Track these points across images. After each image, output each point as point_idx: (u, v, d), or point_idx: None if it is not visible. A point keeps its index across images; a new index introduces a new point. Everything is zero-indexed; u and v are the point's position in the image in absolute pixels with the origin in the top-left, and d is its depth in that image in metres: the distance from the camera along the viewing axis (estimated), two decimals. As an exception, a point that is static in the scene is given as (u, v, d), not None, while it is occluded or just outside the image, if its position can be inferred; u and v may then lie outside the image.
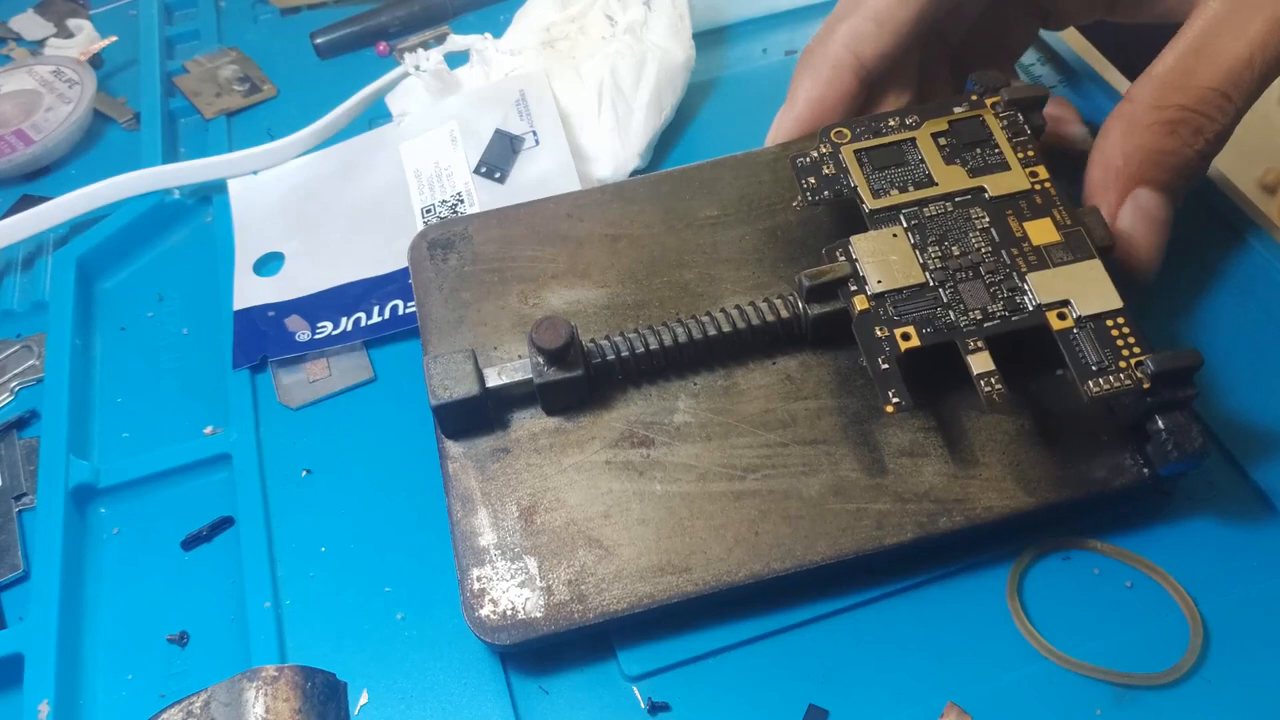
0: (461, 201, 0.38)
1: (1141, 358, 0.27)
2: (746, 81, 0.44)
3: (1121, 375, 0.27)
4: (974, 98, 0.32)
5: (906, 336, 0.28)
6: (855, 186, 0.31)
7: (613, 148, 0.39)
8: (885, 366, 0.27)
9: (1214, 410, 0.31)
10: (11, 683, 0.28)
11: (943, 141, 0.31)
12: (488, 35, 0.43)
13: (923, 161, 0.31)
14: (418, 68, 0.41)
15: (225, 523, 0.32)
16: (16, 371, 0.36)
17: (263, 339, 0.35)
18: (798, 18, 0.46)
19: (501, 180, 0.38)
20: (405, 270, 0.35)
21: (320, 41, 0.47)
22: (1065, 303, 0.28)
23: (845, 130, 0.32)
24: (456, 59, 0.43)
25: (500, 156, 0.39)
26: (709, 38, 0.45)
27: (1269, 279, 0.33)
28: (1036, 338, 0.28)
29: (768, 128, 0.42)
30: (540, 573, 0.27)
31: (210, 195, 0.41)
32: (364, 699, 0.28)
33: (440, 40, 0.46)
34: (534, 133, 0.39)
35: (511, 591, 0.27)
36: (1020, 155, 0.31)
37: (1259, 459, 0.30)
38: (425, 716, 0.27)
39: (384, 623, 0.29)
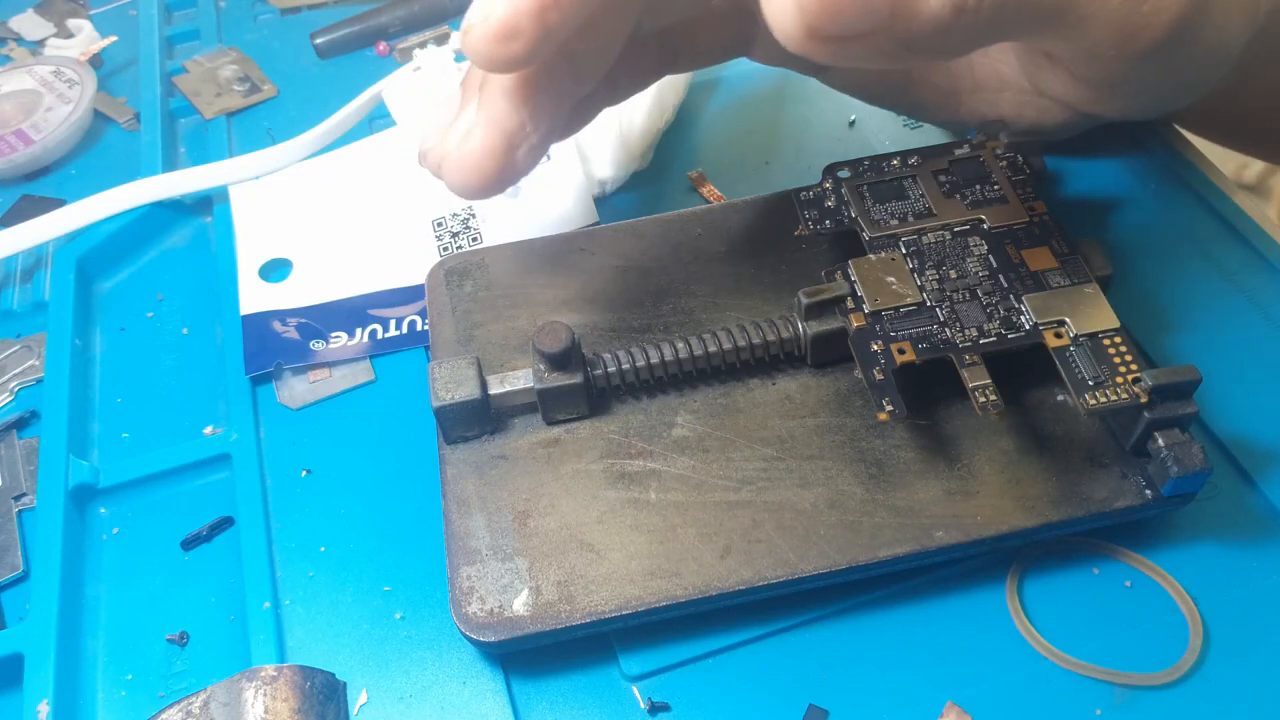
0: (473, 216, 0.38)
1: (1139, 374, 0.27)
2: (747, 81, 0.44)
3: (1119, 389, 0.27)
4: (974, 142, 0.33)
5: (902, 351, 0.28)
6: (855, 216, 0.31)
7: (615, 149, 0.39)
8: (880, 377, 0.28)
9: (1215, 415, 0.31)
10: (11, 683, 0.28)
11: (943, 179, 0.32)
12: (488, 34, 0.43)
13: (923, 195, 0.32)
14: (420, 67, 0.41)
15: (225, 523, 0.32)
16: (16, 371, 0.36)
17: (275, 346, 0.35)
18: (798, 18, 0.46)
19: (513, 195, 0.39)
20: (420, 287, 0.35)
21: (320, 41, 0.47)
22: (1061, 322, 0.28)
23: (848, 168, 0.33)
24: (458, 58, 0.43)
25: None
26: (709, 38, 0.45)
27: (1272, 281, 0.33)
28: (1034, 360, 0.28)
29: (768, 128, 0.42)
30: (530, 573, 0.27)
31: (210, 196, 0.41)
32: (363, 698, 0.28)
33: (441, 40, 0.46)
34: None
35: (500, 590, 0.27)
36: (1019, 192, 0.32)
37: (1259, 461, 0.30)
38: (425, 716, 0.27)
39: (383, 622, 0.29)
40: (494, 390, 0.30)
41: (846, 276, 0.30)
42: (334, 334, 0.36)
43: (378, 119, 0.43)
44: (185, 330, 0.37)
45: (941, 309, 0.29)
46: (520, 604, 0.27)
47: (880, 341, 0.29)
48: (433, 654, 0.28)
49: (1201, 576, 0.28)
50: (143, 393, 0.36)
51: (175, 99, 0.46)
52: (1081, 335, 0.28)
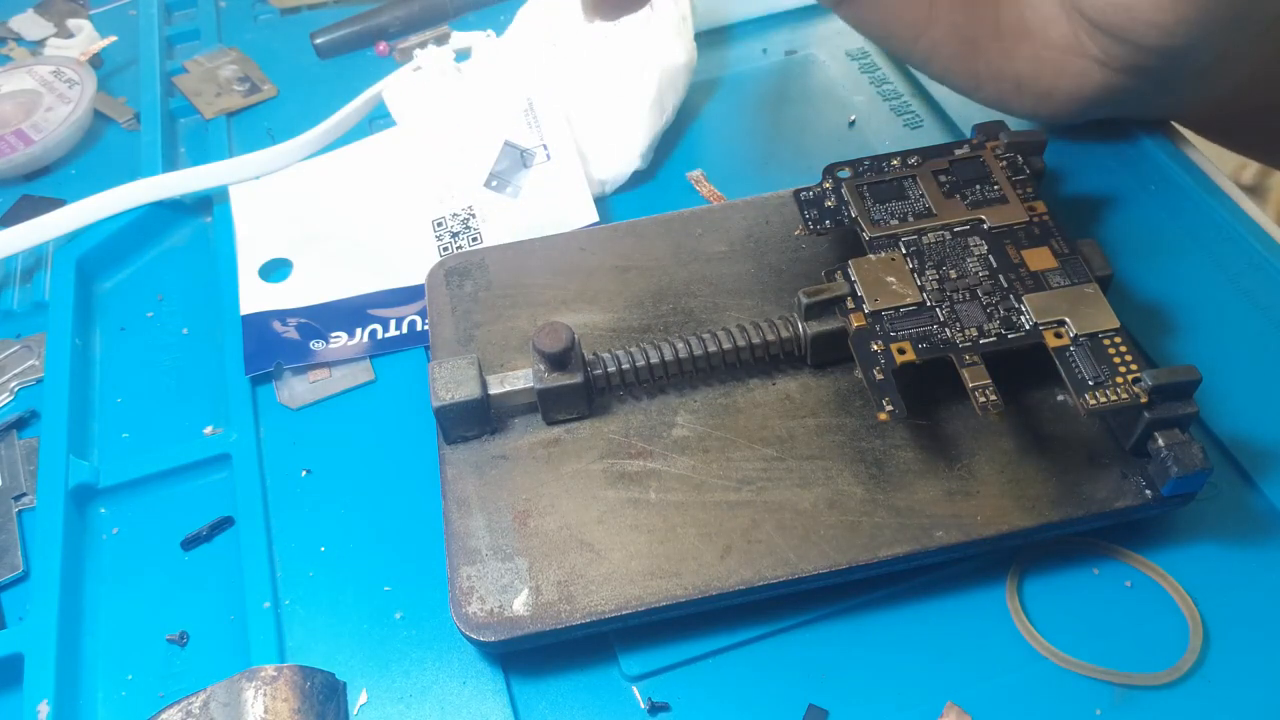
0: (473, 216, 0.38)
1: (1139, 374, 0.27)
2: (747, 81, 0.44)
3: (1119, 389, 0.27)
4: (974, 142, 0.33)
5: (902, 351, 0.28)
6: (855, 216, 0.31)
7: (614, 149, 0.39)
8: (880, 376, 0.28)
9: (1215, 415, 0.31)
10: (11, 683, 0.28)
11: (943, 179, 0.32)
12: (490, 32, 0.43)
13: (923, 195, 0.32)
14: (420, 67, 0.41)
15: (225, 523, 0.32)
16: (16, 371, 0.36)
17: (275, 346, 0.35)
18: (798, 18, 0.46)
19: (514, 195, 0.39)
20: (420, 287, 0.35)
21: (320, 41, 0.47)
22: (1061, 322, 0.28)
23: (848, 168, 0.33)
24: (458, 58, 0.43)
25: (510, 170, 0.39)
26: (709, 37, 0.45)
27: (1272, 281, 0.33)
28: (1034, 360, 0.28)
29: (768, 128, 0.42)
30: (530, 573, 0.27)
31: (210, 196, 0.41)
32: (363, 698, 0.28)
33: (441, 40, 0.46)
34: (544, 146, 0.39)
35: (500, 590, 0.27)
36: (1019, 192, 0.32)
37: (1259, 461, 0.30)
38: (425, 716, 0.27)
39: (383, 622, 0.29)
40: (494, 390, 0.30)
41: (846, 276, 0.30)
42: (334, 334, 0.36)
43: (378, 119, 0.43)
44: (185, 330, 0.37)
45: (941, 309, 0.29)
46: (520, 604, 0.27)
47: (880, 341, 0.29)
48: (433, 654, 0.28)
49: (1201, 576, 0.28)
50: (143, 393, 0.36)
51: (175, 99, 0.46)
52: (1081, 335, 0.28)
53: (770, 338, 0.30)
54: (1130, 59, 0.32)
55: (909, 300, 0.29)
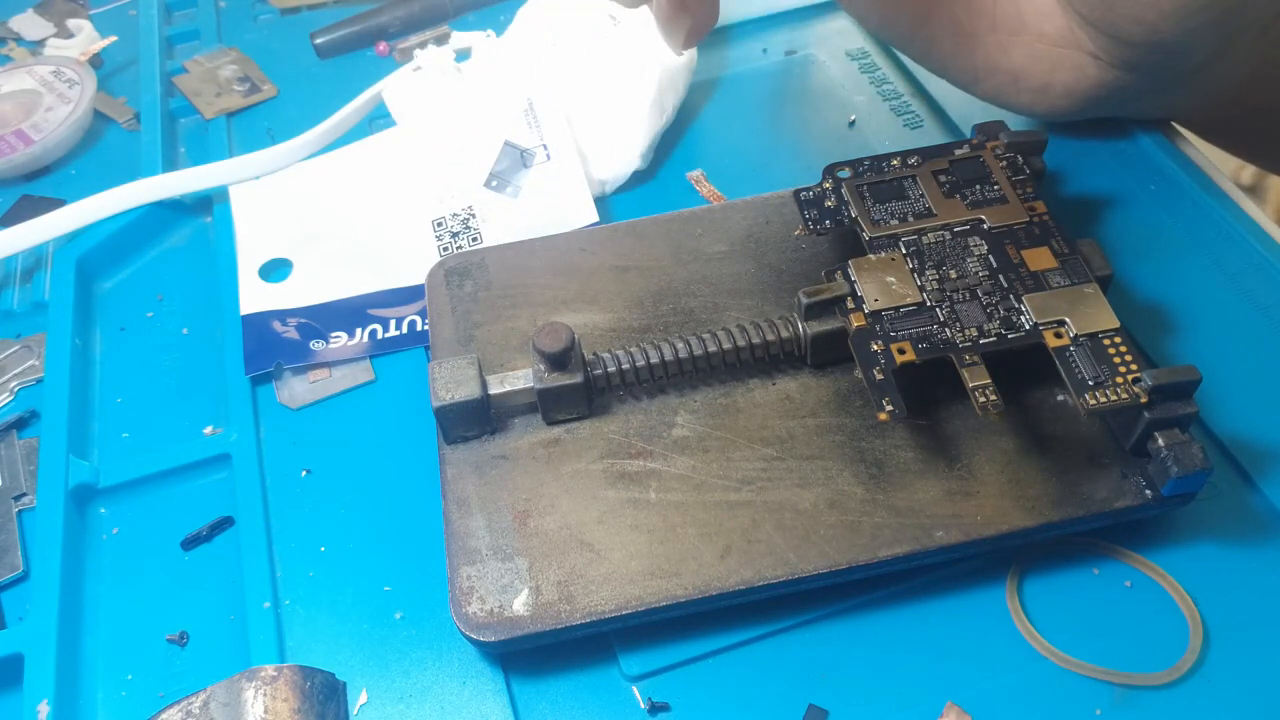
0: (473, 216, 0.38)
1: (1139, 374, 0.27)
2: (747, 81, 0.44)
3: (1119, 389, 0.27)
4: (974, 142, 0.33)
5: (902, 351, 0.28)
6: (855, 216, 0.31)
7: (614, 149, 0.39)
8: (880, 376, 0.28)
9: (1215, 415, 0.31)
10: (11, 683, 0.28)
11: (943, 179, 0.32)
12: (490, 33, 0.43)
13: (923, 195, 0.32)
14: (420, 67, 0.41)
15: (225, 523, 0.32)
16: (16, 371, 0.36)
17: (275, 346, 0.35)
18: (798, 18, 0.46)
19: (514, 195, 0.39)
20: (420, 287, 0.35)
21: (320, 41, 0.47)
22: (1061, 322, 0.28)
23: (848, 168, 0.33)
24: (458, 58, 0.43)
25: (510, 170, 0.39)
26: (709, 37, 0.45)
27: (1272, 281, 0.33)
28: (1034, 360, 0.28)
29: (768, 128, 0.42)
30: (530, 573, 0.27)
31: (210, 196, 0.41)
32: (363, 698, 0.28)
33: (441, 40, 0.46)
34: (544, 146, 0.39)
35: (500, 590, 0.27)
36: (1019, 192, 0.32)
37: (1259, 461, 0.30)
38: (425, 716, 0.27)
39: (383, 622, 0.29)
40: (494, 390, 0.30)
41: (846, 276, 0.30)
42: (334, 334, 0.36)
43: (378, 119, 0.43)
44: (185, 330, 0.37)
45: (941, 309, 0.29)
46: (520, 604, 0.27)
47: (880, 341, 0.29)
48: (433, 654, 0.28)
49: (1201, 576, 0.28)
50: (143, 393, 0.36)
51: (175, 99, 0.46)
52: (1081, 335, 0.28)
53: (770, 338, 0.30)
54: (1122, 54, 0.32)
55: (909, 300, 0.29)
